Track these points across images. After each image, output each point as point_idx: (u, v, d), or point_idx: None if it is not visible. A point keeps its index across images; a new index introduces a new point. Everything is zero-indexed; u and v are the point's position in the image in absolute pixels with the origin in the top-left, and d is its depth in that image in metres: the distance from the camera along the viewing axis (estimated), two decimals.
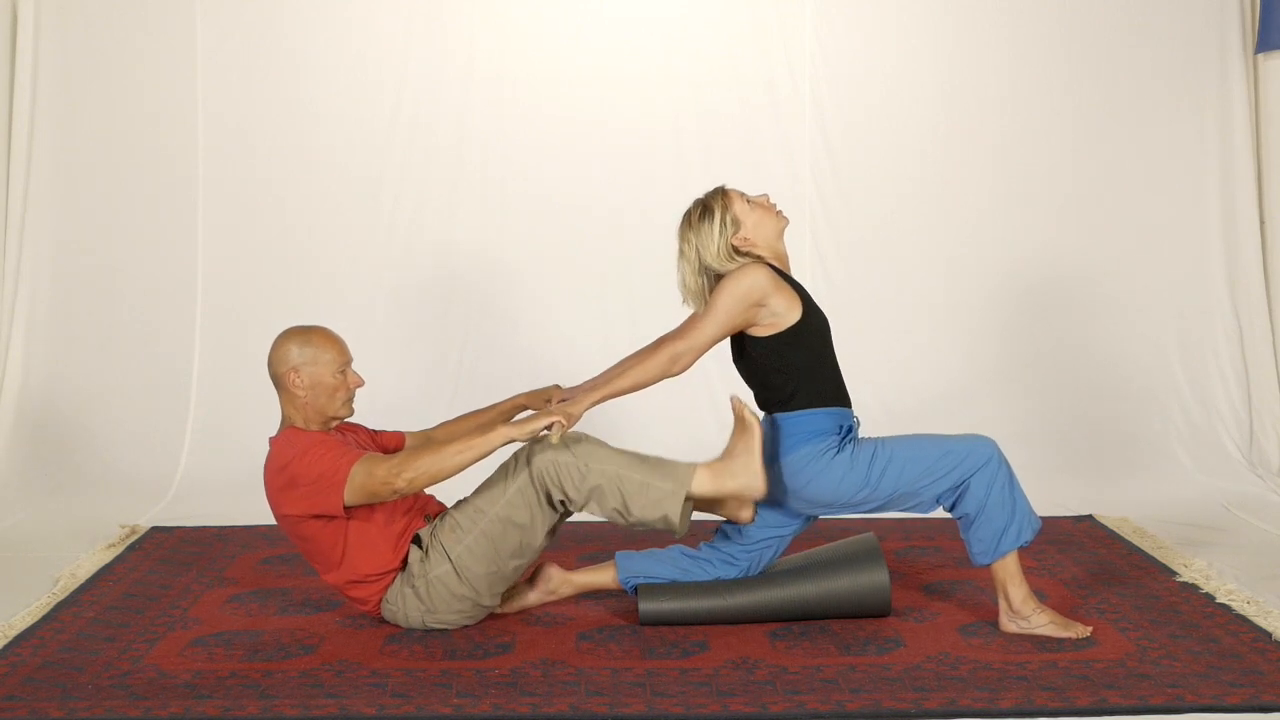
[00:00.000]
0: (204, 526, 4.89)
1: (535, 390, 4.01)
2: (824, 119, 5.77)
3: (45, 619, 3.87)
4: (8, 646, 3.65)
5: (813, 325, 3.68)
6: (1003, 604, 3.68)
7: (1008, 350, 5.81)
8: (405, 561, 3.71)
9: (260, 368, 5.70)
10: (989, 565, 3.67)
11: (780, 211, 3.75)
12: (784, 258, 3.77)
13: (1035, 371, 5.79)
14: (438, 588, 3.68)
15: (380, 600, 3.74)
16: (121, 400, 5.64)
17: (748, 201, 3.71)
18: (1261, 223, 5.83)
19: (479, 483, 3.75)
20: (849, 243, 5.70)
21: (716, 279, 3.70)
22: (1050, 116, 5.79)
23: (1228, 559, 4.39)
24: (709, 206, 3.70)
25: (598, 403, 3.60)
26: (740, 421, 3.61)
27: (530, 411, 3.94)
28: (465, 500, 3.75)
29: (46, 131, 5.64)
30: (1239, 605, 3.89)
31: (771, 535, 3.82)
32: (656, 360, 3.58)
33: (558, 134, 5.74)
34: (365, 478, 3.54)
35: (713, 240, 3.66)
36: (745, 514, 3.68)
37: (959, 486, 3.64)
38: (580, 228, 5.75)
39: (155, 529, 4.87)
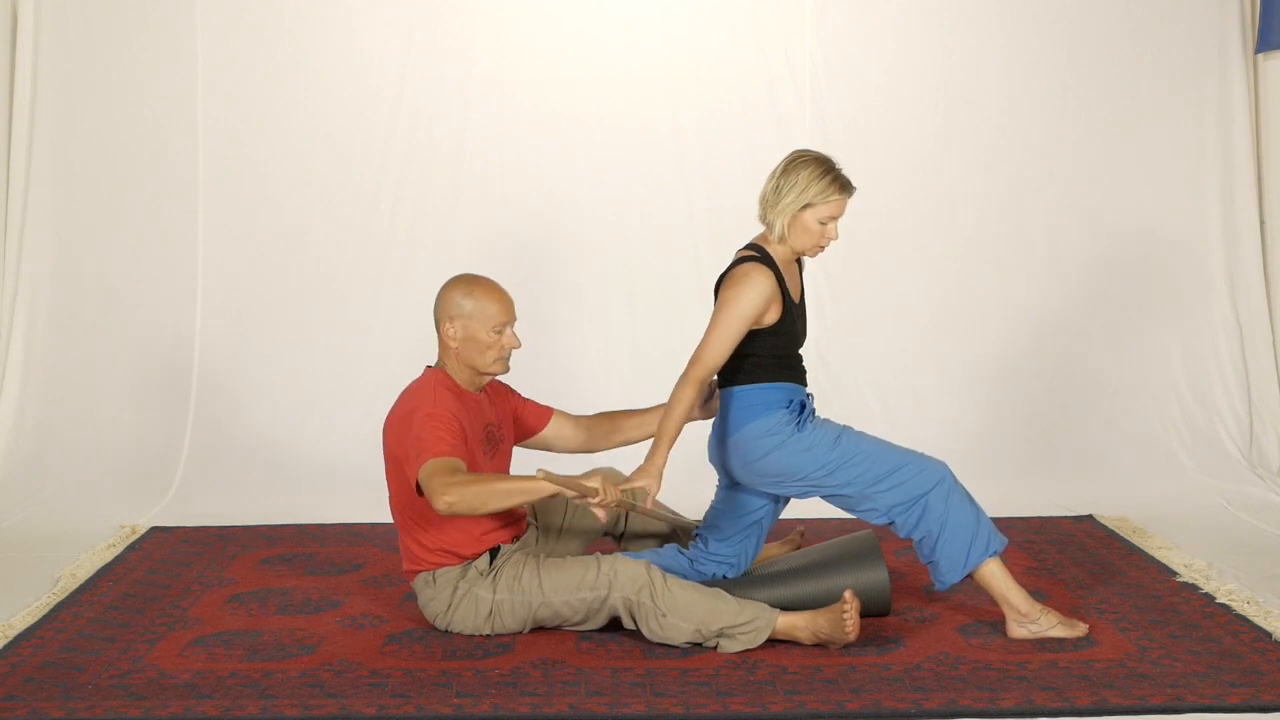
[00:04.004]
0: (204, 526, 4.89)
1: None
2: (824, 119, 5.76)
3: (45, 619, 3.87)
4: (8, 646, 3.65)
5: (783, 328, 3.71)
6: (1008, 612, 3.67)
7: (1008, 349, 5.80)
8: (470, 559, 3.68)
9: (260, 367, 5.79)
10: (959, 582, 3.66)
11: (823, 249, 3.74)
12: (790, 264, 3.77)
13: (1035, 371, 5.78)
14: (468, 604, 3.67)
15: (426, 571, 3.69)
16: (122, 400, 5.64)
17: (833, 217, 3.69)
18: (1261, 223, 5.82)
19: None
20: (849, 242, 5.68)
21: (764, 210, 3.71)
22: (1050, 116, 5.79)
23: (1228, 559, 4.39)
24: (837, 181, 3.67)
25: (667, 453, 3.63)
26: (850, 625, 3.57)
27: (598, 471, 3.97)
28: (543, 560, 3.70)
29: (46, 131, 5.63)
30: (1239, 605, 3.90)
31: (748, 521, 3.83)
32: (691, 391, 3.61)
33: (558, 134, 5.73)
34: (427, 478, 3.47)
35: (799, 193, 3.65)
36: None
37: (916, 501, 3.65)
38: (580, 227, 5.75)
39: (155, 529, 4.87)
